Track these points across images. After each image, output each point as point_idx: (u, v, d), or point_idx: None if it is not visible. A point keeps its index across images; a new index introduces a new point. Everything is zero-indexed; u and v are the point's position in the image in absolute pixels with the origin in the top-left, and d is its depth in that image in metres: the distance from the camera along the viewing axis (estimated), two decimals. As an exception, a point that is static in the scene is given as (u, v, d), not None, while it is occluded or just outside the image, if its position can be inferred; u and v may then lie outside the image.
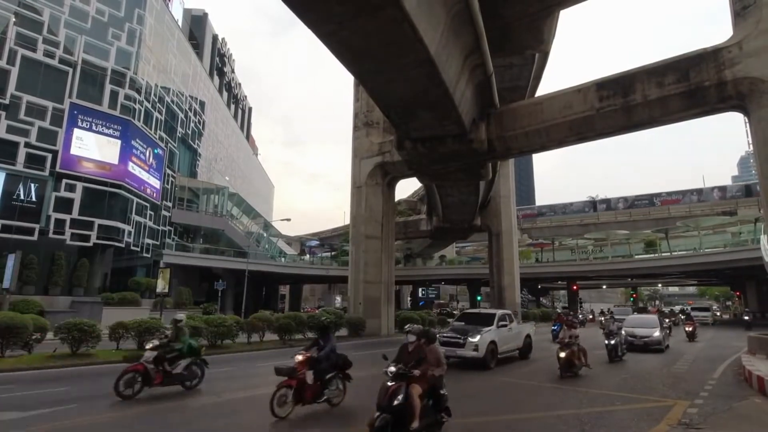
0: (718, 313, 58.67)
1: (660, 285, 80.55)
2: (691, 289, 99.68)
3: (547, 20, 19.48)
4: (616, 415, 7.39)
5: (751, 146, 26.52)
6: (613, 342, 13.65)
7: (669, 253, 43.20)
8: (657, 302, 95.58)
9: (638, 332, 17.16)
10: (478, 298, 54.92)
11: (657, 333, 16.86)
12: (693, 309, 44.34)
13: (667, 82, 17.06)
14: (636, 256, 46.62)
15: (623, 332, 15.63)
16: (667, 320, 22.23)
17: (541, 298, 70.46)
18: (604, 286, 73.70)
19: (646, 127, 19.10)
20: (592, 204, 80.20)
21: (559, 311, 30.45)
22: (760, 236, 34.72)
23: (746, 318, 30.14)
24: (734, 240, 42.51)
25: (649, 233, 50.66)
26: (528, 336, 14.88)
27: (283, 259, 57.27)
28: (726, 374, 11.60)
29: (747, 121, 17.59)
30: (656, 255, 45.15)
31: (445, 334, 12.69)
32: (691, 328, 21.66)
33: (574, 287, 51.71)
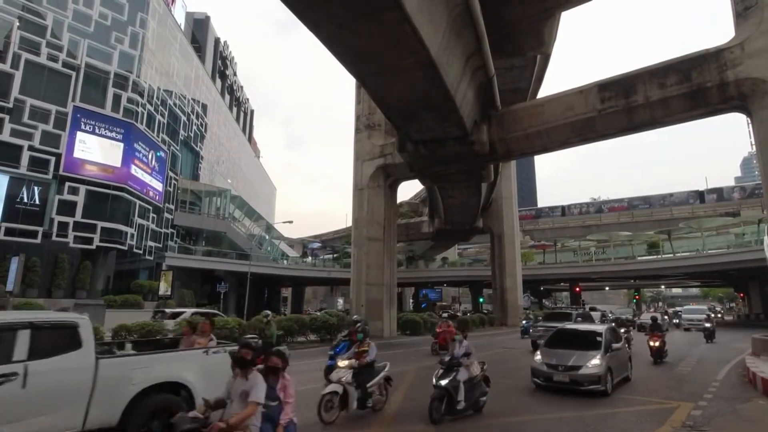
0: (720, 315, 52.20)
1: (663, 286, 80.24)
2: (695, 291, 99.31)
3: (548, 22, 19.52)
4: (619, 417, 7.36)
5: (753, 147, 26.39)
6: (444, 383, 6.92)
7: (672, 255, 43.06)
8: (660, 303, 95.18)
9: (562, 359, 9.44)
10: (481, 300, 54.82)
11: (595, 361, 9.10)
12: (686, 311, 37.76)
13: (668, 83, 17.06)
14: (639, 258, 46.48)
15: (537, 357, 9.93)
16: (623, 330, 14.92)
17: (543, 300, 70.26)
18: (607, 288, 73.46)
19: (648, 129, 19.10)
20: (698, 194, 67.27)
21: (356, 318, 16.54)
22: (763, 237, 34.58)
23: (707, 326, 21.92)
24: (737, 241, 42.38)
25: (651, 234, 50.53)
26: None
27: (285, 261, 57.31)
28: (730, 376, 11.54)
29: (749, 122, 17.56)
30: (659, 256, 45.03)
31: None
32: (657, 343, 14.02)
33: (577, 289, 51.54)
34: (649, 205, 69.96)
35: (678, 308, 48.38)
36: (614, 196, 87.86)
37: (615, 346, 9.98)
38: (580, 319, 19.86)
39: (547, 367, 9.46)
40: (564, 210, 78.24)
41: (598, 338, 9.87)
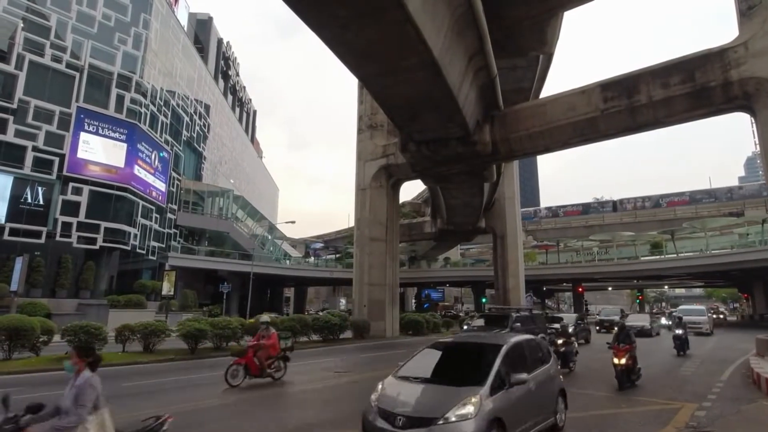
0: (722, 316, 46.78)
1: (666, 287, 79.98)
2: (698, 291, 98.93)
3: (551, 21, 19.46)
4: (622, 418, 7.33)
5: (757, 147, 26.17)
6: None
7: (675, 255, 42.92)
8: (663, 304, 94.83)
9: (408, 402, 5.05)
10: (483, 300, 54.75)
11: (467, 408, 4.63)
12: (681, 311, 26.85)
13: (672, 83, 17.01)
14: (642, 258, 46.32)
15: (373, 395, 5.33)
16: (561, 341, 11.77)
17: (546, 300, 70.15)
18: (610, 288, 73.29)
19: (651, 128, 19.05)
20: None
21: None
22: (767, 237, 34.51)
23: (679, 333, 16.14)
24: (741, 241, 42.20)
25: (655, 234, 50.37)
26: None
27: (287, 261, 57.39)
28: (734, 377, 11.48)
29: (753, 121, 17.48)
30: (662, 256, 44.87)
31: None
32: (623, 360, 9.73)
33: (580, 289, 51.41)
34: (714, 198, 61.70)
35: (674, 309, 41.28)
36: (617, 196, 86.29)
37: (519, 377, 5.32)
38: (518, 324, 14.24)
39: (380, 416, 4.94)
40: (615, 205, 72.69)
41: (490, 362, 5.35)
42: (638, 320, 25.81)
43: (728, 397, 8.85)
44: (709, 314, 28.38)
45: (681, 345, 16.21)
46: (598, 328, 28.84)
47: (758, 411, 7.87)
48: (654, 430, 6.62)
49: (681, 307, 36.02)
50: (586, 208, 75.83)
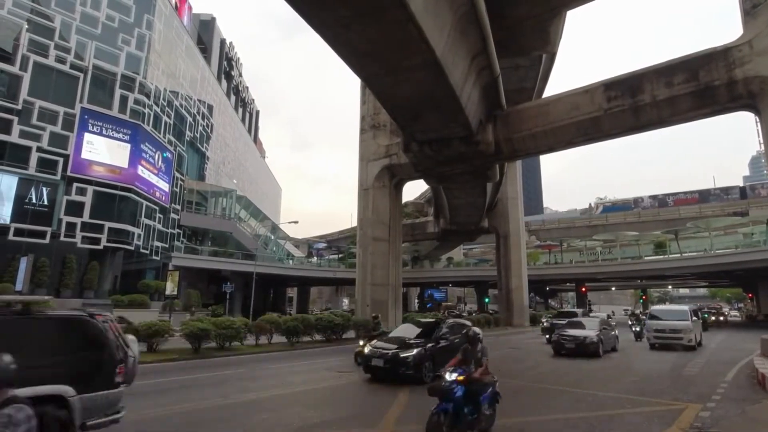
0: (722, 317, 40.25)
1: (670, 287, 79.66)
2: (702, 291, 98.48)
3: (554, 21, 19.41)
4: (626, 419, 7.31)
5: (761, 146, 25.97)
6: None
7: (679, 255, 42.73)
8: (667, 303, 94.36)
9: None
10: (486, 300, 54.72)
11: None
12: (657, 312, 19.59)
13: (676, 82, 16.95)
14: (645, 258, 46.15)
15: None
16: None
17: (549, 300, 69.96)
18: (614, 288, 73.05)
19: (655, 128, 18.98)
20: None
21: None
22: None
23: (449, 384, 5.09)
24: (746, 241, 41.98)
25: (659, 234, 50.19)
26: None
27: (290, 261, 57.47)
28: (739, 377, 11.42)
29: (758, 120, 17.40)
30: (666, 256, 44.69)
31: None
32: None
33: (583, 289, 51.27)
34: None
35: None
36: (620, 196, 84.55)
37: None
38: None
39: None
40: (744, 191, 61.80)
41: None
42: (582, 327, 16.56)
43: (733, 398, 8.80)
44: (695, 318, 18.95)
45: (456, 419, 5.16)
46: (548, 336, 19.30)
47: (763, 411, 7.82)
48: (658, 430, 6.59)
49: (655, 307, 23.42)
50: (704, 195, 64.36)
